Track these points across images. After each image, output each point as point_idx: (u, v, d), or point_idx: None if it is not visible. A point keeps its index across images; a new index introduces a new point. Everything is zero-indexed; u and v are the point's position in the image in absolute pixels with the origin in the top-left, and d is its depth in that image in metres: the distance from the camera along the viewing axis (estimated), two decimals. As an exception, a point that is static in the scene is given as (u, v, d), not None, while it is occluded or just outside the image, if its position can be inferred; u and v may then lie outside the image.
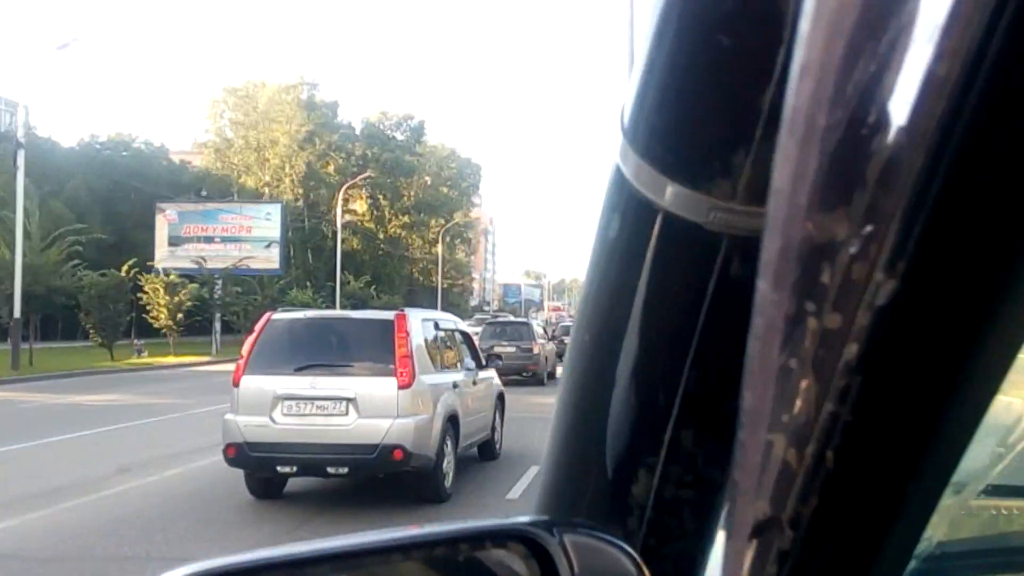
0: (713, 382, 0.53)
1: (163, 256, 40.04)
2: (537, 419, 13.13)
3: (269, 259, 42.05)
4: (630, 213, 0.51)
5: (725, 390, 0.49)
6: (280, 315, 8.33)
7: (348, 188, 51.47)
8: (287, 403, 7.59)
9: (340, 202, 38.11)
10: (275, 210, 44.08)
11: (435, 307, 50.09)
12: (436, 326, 8.69)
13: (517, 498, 7.95)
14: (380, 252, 57.03)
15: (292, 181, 52.62)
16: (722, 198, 0.46)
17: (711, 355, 0.52)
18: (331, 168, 54.20)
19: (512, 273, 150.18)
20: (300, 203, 51.79)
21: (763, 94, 0.43)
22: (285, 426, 7.54)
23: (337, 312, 8.76)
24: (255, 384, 7.72)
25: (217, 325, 35.04)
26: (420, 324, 8.20)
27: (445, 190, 64.75)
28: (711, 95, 0.46)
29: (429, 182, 63.27)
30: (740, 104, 0.45)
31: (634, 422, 0.57)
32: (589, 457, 0.61)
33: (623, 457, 0.58)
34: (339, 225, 37.32)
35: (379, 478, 7.94)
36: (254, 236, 42.33)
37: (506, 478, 9.09)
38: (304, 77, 54.34)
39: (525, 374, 20.03)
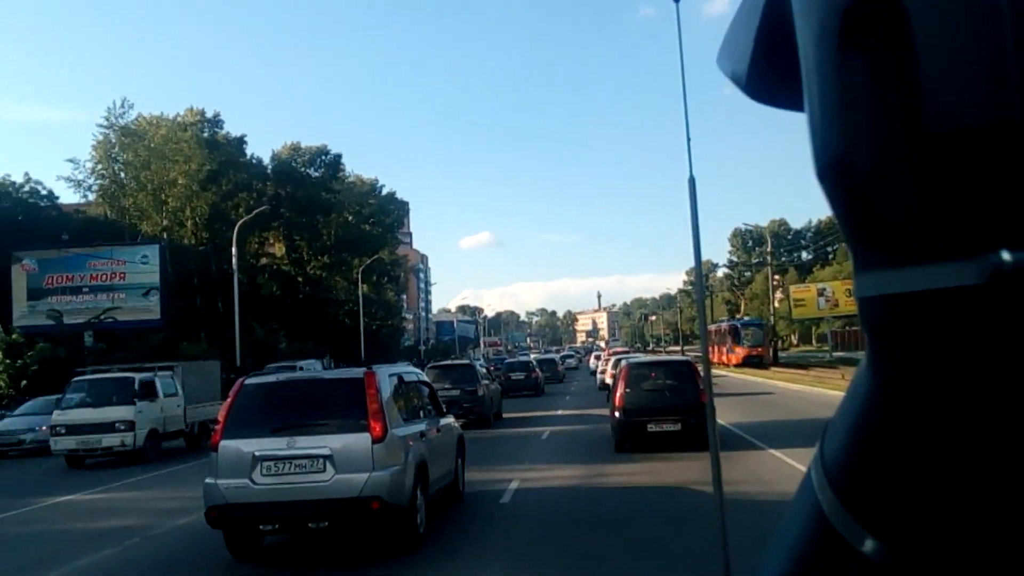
0: None
1: (22, 313, 37.45)
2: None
3: (148, 309, 39.17)
4: (820, 542, 0.51)
5: None
6: (252, 379, 9.37)
7: (262, 230, 50.92)
8: (266, 463, 8.59)
9: (235, 242, 35.52)
10: (152, 252, 40.53)
11: (359, 351, 50.22)
12: (401, 379, 9.85)
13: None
14: (301, 296, 56.69)
15: (195, 224, 51.14)
16: (918, 559, 0.47)
17: None
18: (241, 209, 53.87)
19: (450, 309, 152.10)
20: (205, 247, 50.18)
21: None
22: (265, 486, 8.53)
23: (308, 374, 9.86)
24: (233, 447, 8.71)
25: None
26: (387, 379, 9.33)
27: (367, 227, 64.86)
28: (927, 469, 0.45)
29: (351, 219, 63.46)
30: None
31: None
32: None
33: None
34: (235, 266, 35.82)
35: (354, 527, 8.94)
36: (129, 283, 39.45)
37: (473, 519, 10.28)
38: (204, 112, 53.23)
39: (471, 416, 21.08)
